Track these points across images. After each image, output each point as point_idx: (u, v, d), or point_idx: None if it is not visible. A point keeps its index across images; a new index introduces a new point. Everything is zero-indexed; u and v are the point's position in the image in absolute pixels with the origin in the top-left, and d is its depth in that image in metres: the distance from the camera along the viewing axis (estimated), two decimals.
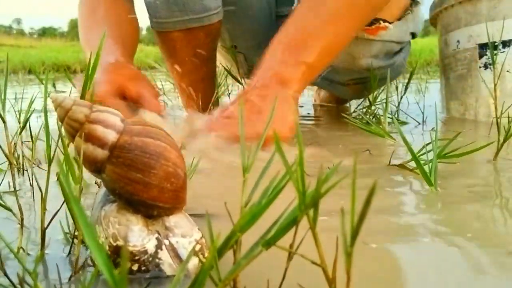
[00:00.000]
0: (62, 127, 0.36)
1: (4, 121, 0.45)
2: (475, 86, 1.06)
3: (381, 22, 0.90)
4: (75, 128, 0.36)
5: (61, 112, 0.36)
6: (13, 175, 0.51)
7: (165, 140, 0.37)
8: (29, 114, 0.51)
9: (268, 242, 0.29)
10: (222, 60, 1.45)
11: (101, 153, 0.35)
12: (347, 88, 1.07)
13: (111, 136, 0.35)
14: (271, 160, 0.32)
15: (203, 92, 1.18)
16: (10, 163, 0.50)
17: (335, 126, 1.06)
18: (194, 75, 1.15)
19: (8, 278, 0.31)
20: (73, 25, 58.68)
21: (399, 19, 0.93)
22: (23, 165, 0.58)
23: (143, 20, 1.13)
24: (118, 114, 0.37)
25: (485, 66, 1.05)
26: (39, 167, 0.62)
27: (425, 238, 0.41)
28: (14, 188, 0.41)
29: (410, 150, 0.53)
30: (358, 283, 0.28)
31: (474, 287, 0.33)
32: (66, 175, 0.24)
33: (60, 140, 0.36)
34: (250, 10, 1.24)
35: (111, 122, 0.36)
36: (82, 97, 0.38)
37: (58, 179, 0.36)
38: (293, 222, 0.28)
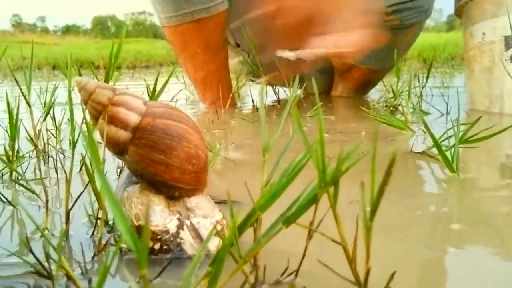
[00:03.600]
0: (86, 110, 0.37)
1: (29, 105, 0.47)
2: (501, 79, 1.04)
3: None
4: (98, 110, 0.36)
5: (85, 94, 0.37)
6: (38, 158, 0.52)
7: (186, 122, 0.37)
8: (53, 100, 0.52)
9: (288, 219, 0.29)
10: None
11: (124, 134, 0.36)
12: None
13: (133, 118, 0.36)
14: (291, 140, 0.32)
15: (218, 82, 1.19)
16: (36, 146, 0.52)
17: (355, 117, 1.05)
18: (208, 66, 1.17)
19: (34, 255, 0.31)
20: (96, 22, 59.36)
21: None
22: (48, 152, 0.59)
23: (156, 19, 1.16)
24: (140, 97, 0.38)
25: None
26: (63, 154, 0.63)
27: (446, 225, 0.41)
28: (40, 171, 0.42)
29: (432, 135, 0.52)
30: (377, 267, 0.28)
31: (496, 275, 0.33)
32: (91, 151, 0.24)
33: (84, 123, 0.36)
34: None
35: (133, 105, 0.36)
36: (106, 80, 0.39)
37: (83, 158, 0.36)
38: (313, 199, 0.28)
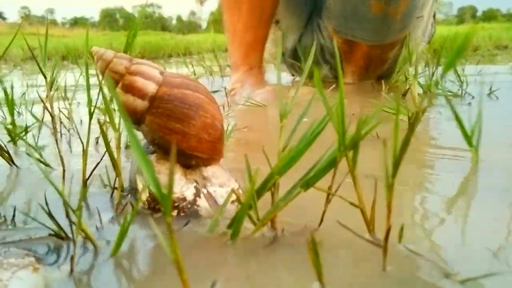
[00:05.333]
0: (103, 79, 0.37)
1: (45, 77, 0.47)
2: None
3: None
4: (115, 79, 0.36)
5: (102, 64, 0.37)
6: (53, 124, 0.52)
7: (203, 92, 0.37)
8: (65, 73, 0.53)
9: (306, 183, 0.29)
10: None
11: (141, 104, 0.36)
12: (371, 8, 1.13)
13: (151, 87, 0.36)
14: (310, 106, 0.32)
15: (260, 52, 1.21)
16: (51, 115, 0.52)
17: (368, 101, 1.05)
18: (256, 32, 1.20)
19: (53, 218, 0.32)
20: (105, 14, 59.39)
21: None
22: (60, 129, 0.60)
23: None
24: (157, 67, 0.38)
25: None
26: (76, 130, 0.63)
27: (462, 200, 0.41)
28: (56, 141, 0.42)
29: (452, 109, 0.49)
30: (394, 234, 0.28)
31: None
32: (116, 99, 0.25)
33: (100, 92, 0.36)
34: None
35: (151, 74, 0.37)
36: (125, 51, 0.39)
37: (100, 126, 0.36)
38: (332, 163, 0.28)
